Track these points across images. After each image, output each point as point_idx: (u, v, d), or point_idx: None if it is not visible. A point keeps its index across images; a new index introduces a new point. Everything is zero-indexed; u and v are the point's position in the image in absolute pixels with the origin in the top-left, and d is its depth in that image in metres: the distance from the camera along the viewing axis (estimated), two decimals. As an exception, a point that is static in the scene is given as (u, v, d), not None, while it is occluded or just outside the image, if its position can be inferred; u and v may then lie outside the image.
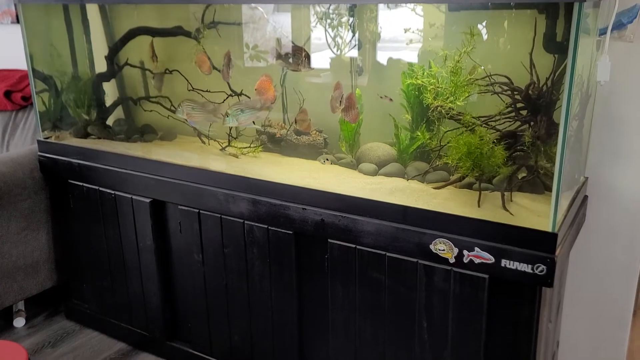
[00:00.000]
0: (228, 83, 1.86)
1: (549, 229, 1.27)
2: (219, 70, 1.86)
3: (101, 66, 2.21)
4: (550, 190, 1.30)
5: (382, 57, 1.75)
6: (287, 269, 1.67)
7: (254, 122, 1.82)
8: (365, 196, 1.49)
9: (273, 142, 1.88)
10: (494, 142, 1.41)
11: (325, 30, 1.75)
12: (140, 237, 1.96)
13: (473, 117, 1.46)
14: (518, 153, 1.44)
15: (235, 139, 1.93)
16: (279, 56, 1.74)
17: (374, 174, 1.66)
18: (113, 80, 2.24)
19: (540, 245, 1.27)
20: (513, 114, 1.44)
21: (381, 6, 1.66)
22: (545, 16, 1.37)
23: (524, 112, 1.43)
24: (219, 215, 1.75)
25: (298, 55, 1.68)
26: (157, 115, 2.11)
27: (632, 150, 1.63)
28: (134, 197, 1.93)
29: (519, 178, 1.46)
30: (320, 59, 1.80)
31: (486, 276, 1.35)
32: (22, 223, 2.14)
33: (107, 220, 2.04)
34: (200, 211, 1.79)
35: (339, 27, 1.75)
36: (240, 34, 1.91)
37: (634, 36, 1.49)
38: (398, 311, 1.51)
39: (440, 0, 1.52)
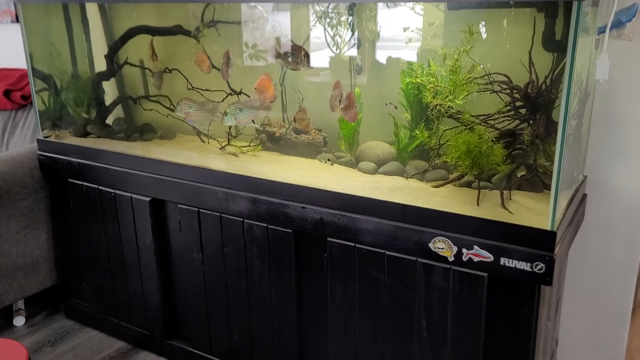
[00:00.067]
0: (227, 82, 1.86)
1: (548, 228, 1.27)
2: (219, 69, 1.86)
3: (101, 65, 2.21)
4: (549, 188, 1.30)
5: (381, 56, 1.75)
6: (287, 267, 1.68)
7: (253, 121, 1.82)
8: (364, 195, 1.49)
9: (272, 141, 1.89)
10: (492, 140, 1.41)
11: (325, 29, 1.75)
12: (140, 236, 1.97)
13: (472, 116, 1.47)
14: (517, 151, 1.44)
15: (234, 137, 1.93)
16: (278, 55, 1.75)
17: (373, 172, 1.66)
18: (113, 79, 2.24)
19: (539, 243, 1.27)
20: (512, 112, 1.44)
21: (380, 5, 1.66)
22: (544, 15, 1.37)
23: (523, 111, 1.43)
24: (219, 214, 1.75)
25: (297, 54, 1.68)
26: (156, 114, 2.11)
27: (630, 148, 1.63)
28: (133, 196, 1.93)
29: (518, 176, 1.46)
30: (320, 58, 1.80)
31: (485, 274, 1.35)
32: (21, 222, 2.15)
33: (107, 219, 2.04)
34: (200, 210, 1.79)
35: (338, 26, 1.75)
36: (240, 33, 1.91)
37: (632, 35, 1.49)
38: (397, 309, 1.51)
39: (439, -1, 1.52)
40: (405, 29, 1.62)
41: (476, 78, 1.46)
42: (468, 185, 1.51)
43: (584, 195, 1.68)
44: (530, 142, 1.39)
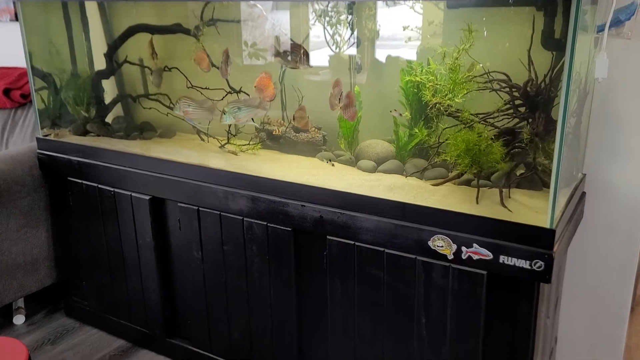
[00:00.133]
0: (227, 80, 1.86)
1: (547, 226, 1.27)
2: (218, 68, 1.86)
3: (100, 64, 2.21)
4: (548, 186, 1.31)
5: (380, 55, 1.75)
6: (286, 266, 1.68)
7: (252, 120, 1.82)
8: (364, 193, 1.50)
9: (272, 140, 1.89)
10: (492, 138, 1.42)
11: (324, 28, 1.76)
12: (140, 235, 1.97)
13: (471, 114, 1.47)
14: (516, 150, 1.44)
15: (234, 136, 1.94)
16: (277, 54, 1.75)
17: (373, 170, 1.66)
18: (112, 78, 2.24)
19: (538, 241, 1.27)
20: (511, 111, 1.44)
21: (380, 4, 1.66)
22: (544, 13, 1.38)
23: (522, 109, 1.43)
24: (218, 213, 1.75)
25: (296, 53, 1.69)
26: (156, 113, 2.11)
27: (629, 147, 1.63)
28: (133, 194, 1.93)
29: (517, 175, 1.46)
30: (319, 57, 1.80)
31: (484, 272, 1.35)
32: (21, 220, 2.15)
33: (107, 217, 2.04)
34: (200, 208, 1.79)
35: (338, 25, 1.75)
36: (239, 32, 1.91)
37: (631, 33, 1.49)
38: (397, 307, 1.51)
39: (438, -2, 1.52)
40: (404, 28, 1.62)
41: (475, 76, 1.46)
42: (467, 183, 1.51)
43: (583, 194, 1.69)
44: (530, 141, 1.40)
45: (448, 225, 1.37)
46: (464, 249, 1.36)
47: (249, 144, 1.89)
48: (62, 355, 2.13)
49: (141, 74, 2.17)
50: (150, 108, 2.13)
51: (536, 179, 1.45)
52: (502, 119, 1.46)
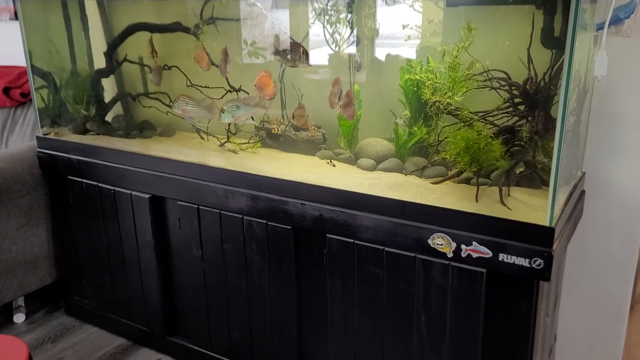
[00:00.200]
0: (227, 79, 1.86)
1: (547, 224, 1.28)
2: (218, 66, 1.86)
3: (100, 62, 2.21)
4: (547, 185, 1.31)
5: (380, 54, 1.75)
6: (286, 264, 1.68)
7: (252, 118, 1.82)
8: (363, 191, 1.50)
9: (272, 138, 1.89)
10: (491, 136, 1.42)
11: (324, 26, 1.76)
12: (140, 233, 1.97)
13: (471, 112, 1.47)
14: (516, 148, 1.44)
15: (234, 134, 1.94)
16: (276, 52, 1.75)
17: (373, 169, 1.67)
18: (112, 77, 2.24)
19: (538, 239, 1.28)
20: (511, 109, 1.44)
21: (379, 2, 1.66)
22: (543, 11, 1.38)
23: (521, 107, 1.43)
24: (218, 211, 1.75)
25: (296, 52, 1.69)
26: (156, 112, 2.12)
27: (629, 145, 1.63)
28: (133, 192, 1.93)
29: (517, 173, 1.46)
30: (319, 56, 1.80)
31: (484, 270, 1.35)
32: (21, 219, 2.15)
33: (107, 216, 2.04)
34: (200, 207, 1.79)
35: (337, 24, 1.75)
36: (239, 30, 1.91)
37: (631, 31, 1.49)
38: (396, 306, 1.51)
39: (438, -4, 1.52)
40: (404, 27, 1.62)
41: (475, 75, 1.46)
42: (467, 181, 1.51)
43: (583, 192, 1.69)
44: (529, 139, 1.40)
45: (448, 224, 1.38)
46: (463, 247, 1.36)
47: (248, 142, 1.89)
48: (62, 354, 2.13)
49: (141, 73, 2.17)
50: (150, 107, 2.13)
51: (536, 177, 1.45)
52: (502, 117, 1.46)
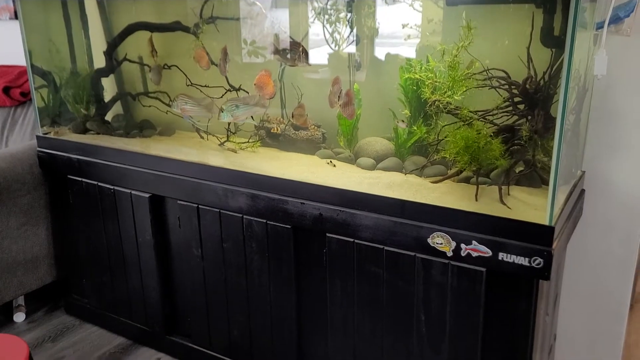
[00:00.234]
0: (226, 78, 1.86)
1: (546, 223, 1.28)
2: (217, 66, 1.86)
3: (100, 62, 2.21)
4: (547, 184, 1.31)
5: (380, 53, 1.75)
6: (286, 263, 1.68)
7: (252, 117, 1.82)
8: (363, 190, 1.50)
9: (271, 137, 1.89)
10: (490, 135, 1.42)
11: (323, 26, 1.76)
12: (140, 232, 1.97)
13: (470, 111, 1.47)
14: (515, 147, 1.44)
15: (233, 134, 1.94)
16: (276, 51, 1.75)
17: (372, 168, 1.67)
18: (112, 76, 2.24)
19: (538, 238, 1.28)
20: (510, 108, 1.44)
21: (379, 2, 1.66)
22: (543, 10, 1.38)
23: (521, 106, 1.43)
24: (218, 210, 1.75)
25: (295, 51, 1.69)
26: (155, 111, 2.12)
27: (629, 144, 1.63)
28: (133, 192, 1.94)
29: (516, 172, 1.46)
30: (319, 55, 1.80)
31: (483, 269, 1.35)
32: (21, 218, 2.15)
33: (107, 215, 2.04)
34: (199, 206, 1.79)
35: (337, 23, 1.75)
36: (239, 30, 1.91)
37: (630, 30, 1.49)
38: (396, 305, 1.51)
39: (437, -5, 1.52)
40: (404, 26, 1.62)
41: (475, 74, 1.46)
42: (466, 180, 1.51)
43: (582, 191, 1.69)
44: (529, 138, 1.40)
45: (447, 223, 1.38)
46: (463, 246, 1.36)
47: (248, 141, 1.89)
48: (62, 353, 2.13)
49: (141, 72, 2.17)
50: (149, 106, 2.13)
51: (535, 176, 1.45)
52: (502, 117, 1.46)
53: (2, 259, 2.11)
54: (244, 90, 1.85)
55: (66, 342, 2.20)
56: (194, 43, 1.93)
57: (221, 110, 1.77)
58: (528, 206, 1.37)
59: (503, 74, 1.44)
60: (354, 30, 1.74)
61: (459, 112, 1.48)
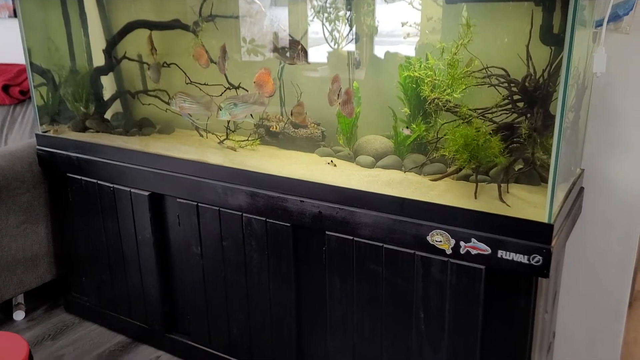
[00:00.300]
0: (225, 76, 1.86)
1: (545, 220, 1.28)
2: (216, 63, 1.86)
3: (99, 60, 2.21)
4: (546, 181, 1.31)
5: (379, 51, 1.75)
6: (285, 261, 1.68)
7: (252, 116, 1.82)
8: (362, 188, 1.50)
9: (271, 135, 1.89)
10: (490, 133, 1.42)
11: (323, 24, 1.76)
12: (139, 230, 1.97)
13: (470, 109, 1.47)
14: (515, 145, 1.44)
15: (233, 132, 1.94)
16: (275, 50, 1.75)
17: (372, 166, 1.67)
18: (111, 74, 2.24)
19: (537, 236, 1.28)
20: (510, 106, 1.44)
21: (378, 0, 1.66)
22: (542, 8, 1.38)
23: (520, 104, 1.44)
24: (217, 208, 1.75)
25: (294, 49, 1.69)
26: (155, 109, 2.12)
27: (628, 142, 1.63)
28: (132, 190, 1.94)
29: (516, 170, 1.46)
30: (318, 53, 1.80)
31: (483, 267, 1.36)
32: (21, 216, 2.15)
33: (106, 213, 2.04)
34: (199, 204, 1.79)
35: (336, 21, 1.75)
36: (238, 28, 1.91)
37: (630, 28, 1.49)
38: (395, 302, 1.52)
39: (437, -7, 1.52)
40: (403, 24, 1.62)
41: (474, 72, 1.46)
42: (466, 178, 1.51)
43: (581, 189, 1.69)
44: (528, 136, 1.40)
45: (446, 220, 1.38)
46: (462, 243, 1.36)
47: (247, 139, 1.89)
48: (62, 351, 2.13)
49: (140, 70, 2.17)
50: (149, 104, 2.13)
51: (534, 174, 1.45)
52: (501, 114, 1.46)
53: (1, 257, 2.11)
54: (243, 88, 1.85)
55: (66, 340, 2.20)
56: (193, 41, 1.93)
57: (219, 108, 1.77)
58: (527, 204, 1.37)
59: (502, 72, 1.44)
60: (354, 29, 1.74)
61: (458, 110, 1.49)
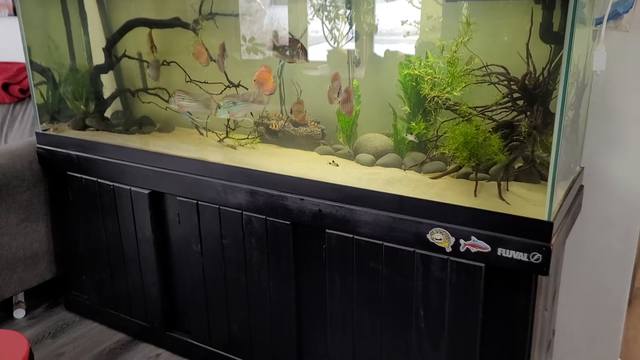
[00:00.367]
0: (225, 74, 1.86)
1: (545, 218, 1.28)
2: (216, 62, 1.86)
3: (99, 58, 2.21)
4: (546, 179, 1.31)
5: (379, 49, 1.75)
6: (285, 259, 1.69)
7: (252, 114, 1.82)
8: (362, 186, 1.50)
9: (270, 134, 1.89)
10: (489, 131, 1.42)
11: (322, 22, 1.75)
12: (139, 229, 1.97)
13: (470, 107, 1.47)
14: (514, 143, 1.44)
15: (233, 130, 1.94)
16: (274, 48, 1.75)
17: (372, 164, 1.67)
18: (111, 72, 2.24)
19: (536, 233, 1.28)
20: (509, 104, 1.45)
21: (378, -2, 1.67)
22: (542, 6, 1.38)
23: (520, 102, 1.44)
24: (217, 206, 1.76)
25: (293, 47, 1.69)
26: (155, 107, 2.12)
27: (628, 140, 1.63)
28: (132, 188, 1.94)
29: (515, 167, 1.47)
30: (318, 51, 1.80)
31: (482, 265, 1.36)
32: (21, 215, 2.15)
33: (106, 211, 2.05)
34: (199, 202, 1.79)
35: (336, 20, 1.75)
36: (238, 26, 1.91)
37: (629, 26, 1.49)
38: (395, 300, 1.52)
39: (437, -9, 1.52)
40: (403, 22, 1.62)
41: (474, 70, 1.46)
42: (466, 176, 1.51)
43: (581, 187, 1.69)
44: (528, 134, 1.40)
45: (446, 218, 1.38)
46: (462, 241, 1.36)
47: (247, 138, 1.89)
48: (62, 349, 2.13)
49: (140, 68, 2.17)
50: (149, 102, 2.13)
51: (534, 172, 1.45)
52: (501, 112, 1.46)
53: (1, 255, 2.11)
54: (243, 86, 1.85)
55: (66, 338, 2.21)
56: (193, 39, 1.93)
57: (218, 106, 1.77)
58: (527, 202, 1.37)
59: (502, 70, 1.44)
60: (353, 27, 1.74)
61: (458, 108, 1.49)
